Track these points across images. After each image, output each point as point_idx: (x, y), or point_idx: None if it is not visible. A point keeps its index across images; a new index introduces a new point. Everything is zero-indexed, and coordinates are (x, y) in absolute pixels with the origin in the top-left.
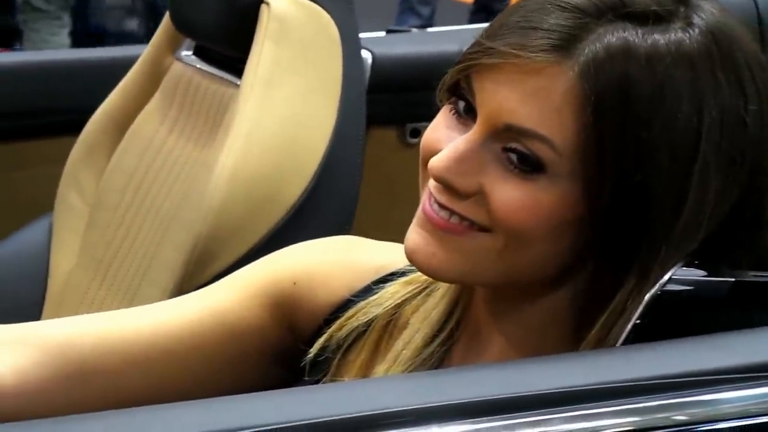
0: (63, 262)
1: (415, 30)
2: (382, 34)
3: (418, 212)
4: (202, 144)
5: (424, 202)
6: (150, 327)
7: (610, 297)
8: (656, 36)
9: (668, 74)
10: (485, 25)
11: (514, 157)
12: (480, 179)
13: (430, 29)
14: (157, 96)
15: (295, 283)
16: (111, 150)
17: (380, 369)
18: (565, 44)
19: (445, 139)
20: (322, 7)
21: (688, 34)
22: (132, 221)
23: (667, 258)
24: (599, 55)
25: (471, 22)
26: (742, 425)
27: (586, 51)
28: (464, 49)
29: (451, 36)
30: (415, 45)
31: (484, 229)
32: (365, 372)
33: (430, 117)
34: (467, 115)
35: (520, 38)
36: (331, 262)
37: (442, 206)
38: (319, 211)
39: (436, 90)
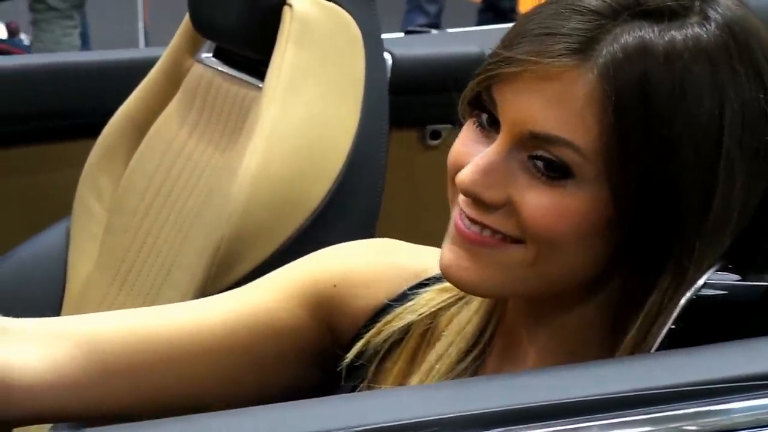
0: (81, 266)
1: (434, 31)
2: (401, 35)
3: (450, 228)
4: (223, 147)
5: (455, 217)
6: (188, 324)
7: (643, 300)
8: (673, 32)
9: (687, 70)
10: (507, 25)
11: (540, 164)
12: (508, 190)
13: (450, 30)
14: (176, 98)
15: (335, 285)
16: (130, 153)
17: (414, 381)
18: (583, 47)
19: (471, 152)
20: (344, 8)
21: (705, 29)
22: (152, 225)
23: (701, 256)
24: (617, 56)
25: (479, 20)
26: None
27: (603, 53)
28: (485, 50)
29: (471, 37)
30: (435, 46)
31: (516, 240)
32: (402, 380)
33: (450, 119)
34: (491, 127)
35: (537, 45)
36: (373, 265)
37: (473, 221)
38: (343, 213)
39: (458, 97)
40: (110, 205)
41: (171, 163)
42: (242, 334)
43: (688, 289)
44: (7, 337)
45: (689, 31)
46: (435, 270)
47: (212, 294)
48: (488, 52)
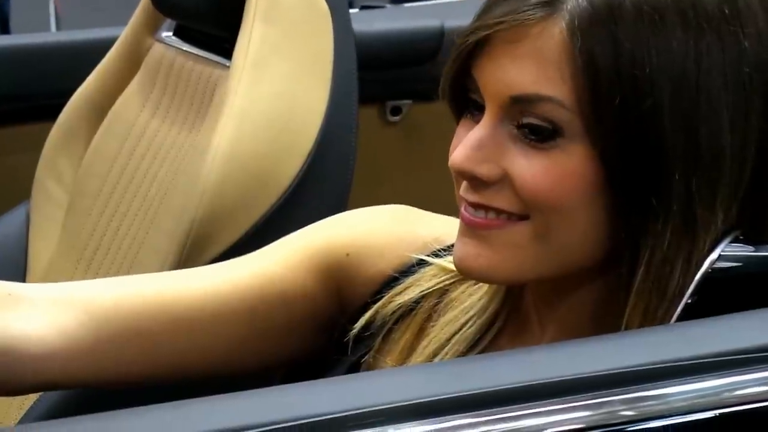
0: (43, 251)
1: (388, 5)
2: (356, 11)
3: (459, 224)
4: (188, 127)
5: (461, 211)
6: (199, 290)
7: (651, 260)
8: None
9: (657, 12)
10: None
11: (528, 130)
12: (502, 164)
13: (406, 4)
14: (137, 78)
15: (348, 255)
16: (90, 135)
17: (420, 356)
18: (550, 1)
19: None
20: None
21: None
22: (116, 208)
23: (705, 203)
24: (582, 5)
25: None
26: None
27: (570, 6)
28: (445, 23)
29: (427, 10)
30: (392, 21)
31: (522, 217)
32: (409, 353)
33: (411, 94)
34: (480, 112)
35: (504, 8)
36: (386, 234)
37: (476, 206)
38: (315, 190)
39: (419, 71)
40: (72, 188)
41: (133, 144)
42: (253, 301)
43: (700, 248)
44: (14, 304)
45: None
46: (447, 240)
47: None
48: (448, 25)
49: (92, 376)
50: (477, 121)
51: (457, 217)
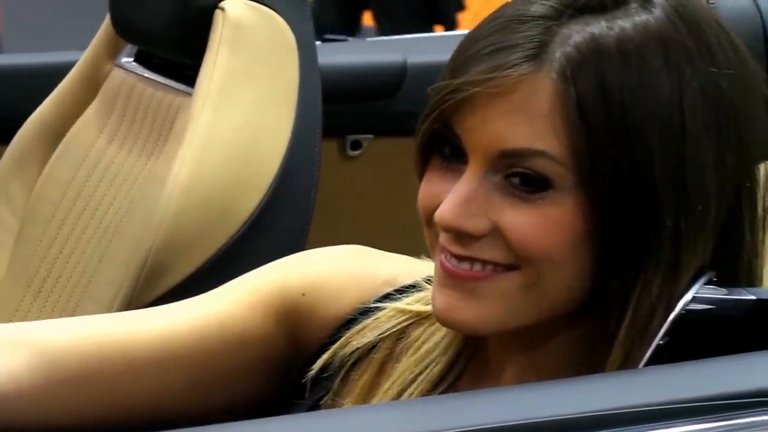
0: None
1: (351, 39)
2: (317, 43)
3: (437, 272)
4: (147, 155)
5: (441, 260)
6: (152, 332)
7: (627, 307)
8: (620, 22)
9: (641, 57)
10: (433, 34)
11: (516, 181)
12: (490, 216)
13: (369, 39)
14: (95, 104)
15: (303, 294)
16: (43, 160)
17: (380, 396)
18: (537, 53)
19: (441, 191)
20: (278, 12)
21: (650, 13)
22: (68, 235)
23: (688, 250)
24: (572, 55)
25: None
26: None
27: (557, 55)
28: (408, 59)
29: (390, 45)
30: (353, 54)
31: (509, 267)
32: (368, 392)
33: (371, 129)
34: (456, 158)
35: (490, 63)
36: (343, 274)
37: (460, 258)
38: (275, 223)
39: (381, 106)
40: (23, 213)
41: (89, 170)
42: (209, 343)
43: (679, 291)
44: None
45: (636, 18)
46: (404, 280)
47: (140, 306)
48: (411, 60)
49: (43, 420)
50: (451, 169)
51: (415, 255)
